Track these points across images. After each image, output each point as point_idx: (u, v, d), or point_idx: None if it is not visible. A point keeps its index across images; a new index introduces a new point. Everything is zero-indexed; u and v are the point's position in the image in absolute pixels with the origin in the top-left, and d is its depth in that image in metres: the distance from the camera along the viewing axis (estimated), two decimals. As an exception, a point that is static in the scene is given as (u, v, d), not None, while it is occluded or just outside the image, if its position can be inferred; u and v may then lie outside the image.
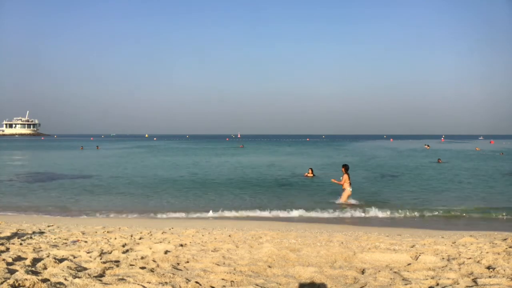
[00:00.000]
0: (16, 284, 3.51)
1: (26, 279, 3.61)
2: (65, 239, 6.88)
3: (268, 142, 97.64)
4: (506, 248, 5.85)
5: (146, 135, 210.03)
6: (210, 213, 11.15)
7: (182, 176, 20.39)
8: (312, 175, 17.35)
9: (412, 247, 6.24)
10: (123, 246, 6.17)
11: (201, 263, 4.98)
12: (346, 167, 12.82)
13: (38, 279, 3.63)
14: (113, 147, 61.06)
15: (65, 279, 3.82)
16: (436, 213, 11.18)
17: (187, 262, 5.09)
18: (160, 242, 6.55)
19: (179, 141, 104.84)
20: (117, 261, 4.97)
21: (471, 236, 7.53)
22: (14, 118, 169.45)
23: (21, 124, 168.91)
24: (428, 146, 58.05)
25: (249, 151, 49.47)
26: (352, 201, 12.44)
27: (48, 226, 8.70)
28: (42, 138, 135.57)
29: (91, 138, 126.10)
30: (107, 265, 4.59)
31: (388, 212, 11.21)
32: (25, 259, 4.72)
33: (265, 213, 11.26)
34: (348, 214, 11.15)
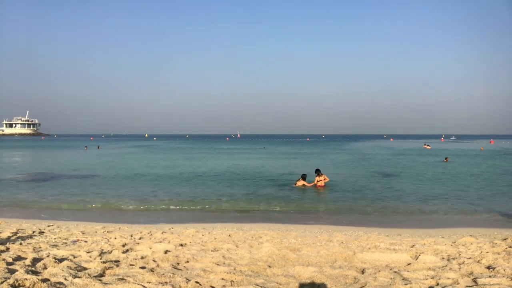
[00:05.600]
0: (16, 284, 3.51)
1: (26, 279, 3.61)
2: (65, 239, 6.89)
3: (274, 142, 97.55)
4: (506, 248, 5.85)
5: (146, 135, 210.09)
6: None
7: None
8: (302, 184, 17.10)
9: (412, 247, 6.24)
10: (123, 246, 6.17)
11: (201, 263, 4.98)
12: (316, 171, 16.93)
13: (38, 279, 3.63)
14: (114, 147, 61.09)
15: (65, 279, 3.82)
16: (437, 212, 11.17)
17: (187, 262, 5.09)
18: (160, 242, 6.55)
19: (179, 141, 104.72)
20: (117, 261, 4.97)
21: (471, 236, 7.53)
22: (14, 118, 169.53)
23: (21, 124, 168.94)
24: (429, 146, 57.54)
25: (273, 153, 49.42)
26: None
27: (48, 226, 8.70)
28: (42, 138, 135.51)
29: (91, 138, 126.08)
30: (107, 265, 4.59)
31: (388, 212, 11.20)
32: (25, 259, 4.72)
33: None
34: (347, 214, 11.15)
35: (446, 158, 30.41)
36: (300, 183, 16.33)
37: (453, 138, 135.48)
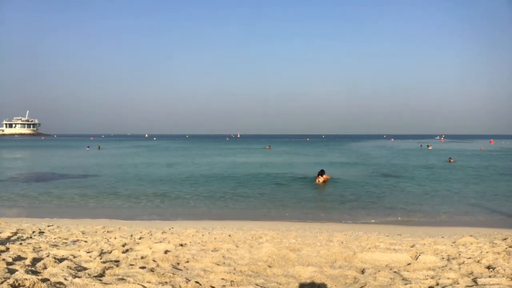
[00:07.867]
0: (16, 284, 3.51)
1: (26, 279, 3.60)
2: (65, 239, 6.88)
3: (274, 142, 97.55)
4: (506, 248, 5.85)
5: (146, 135, 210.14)
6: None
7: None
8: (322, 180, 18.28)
9: (412, 247, 6.24)
10: (123, 246, 6.17)
11: (201, 263, 4.98)
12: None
13: (38, 279, 3.63)
14: (114, 147, 61.09)
15: (65, 279, 3.82)
16: (437, 212, 11.17)
17: (187, 262, 5.09)
18: (160, 242, 6.56)
19: (179, 141, 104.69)
20: (117, 261, 4.97)
21: (471, 236, 7.53)
22: (14, 118, 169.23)
23: (21, 124, 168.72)
24: (430, 146, 57.57)
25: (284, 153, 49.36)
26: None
27: (48, 226, 8.70)
28: (43, 138, 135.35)
29: (91, 138, 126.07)
30: (107, 265, 4.59)
31: (389, 212, 11.21)
32: (25, 258, 4.72)
33: None
34: (349, 214, 11.15)
35: (450, 159, 30.50)
36: (321, 179, 17.45)
37: (437, 138, 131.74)
